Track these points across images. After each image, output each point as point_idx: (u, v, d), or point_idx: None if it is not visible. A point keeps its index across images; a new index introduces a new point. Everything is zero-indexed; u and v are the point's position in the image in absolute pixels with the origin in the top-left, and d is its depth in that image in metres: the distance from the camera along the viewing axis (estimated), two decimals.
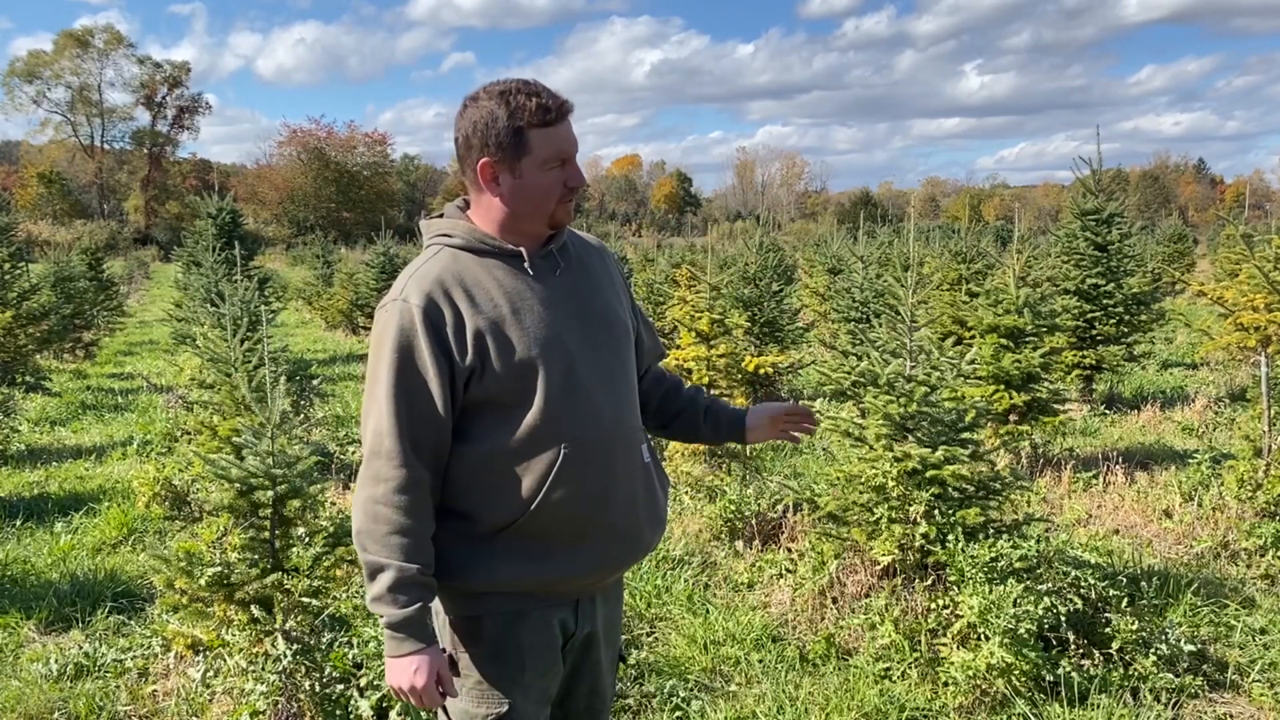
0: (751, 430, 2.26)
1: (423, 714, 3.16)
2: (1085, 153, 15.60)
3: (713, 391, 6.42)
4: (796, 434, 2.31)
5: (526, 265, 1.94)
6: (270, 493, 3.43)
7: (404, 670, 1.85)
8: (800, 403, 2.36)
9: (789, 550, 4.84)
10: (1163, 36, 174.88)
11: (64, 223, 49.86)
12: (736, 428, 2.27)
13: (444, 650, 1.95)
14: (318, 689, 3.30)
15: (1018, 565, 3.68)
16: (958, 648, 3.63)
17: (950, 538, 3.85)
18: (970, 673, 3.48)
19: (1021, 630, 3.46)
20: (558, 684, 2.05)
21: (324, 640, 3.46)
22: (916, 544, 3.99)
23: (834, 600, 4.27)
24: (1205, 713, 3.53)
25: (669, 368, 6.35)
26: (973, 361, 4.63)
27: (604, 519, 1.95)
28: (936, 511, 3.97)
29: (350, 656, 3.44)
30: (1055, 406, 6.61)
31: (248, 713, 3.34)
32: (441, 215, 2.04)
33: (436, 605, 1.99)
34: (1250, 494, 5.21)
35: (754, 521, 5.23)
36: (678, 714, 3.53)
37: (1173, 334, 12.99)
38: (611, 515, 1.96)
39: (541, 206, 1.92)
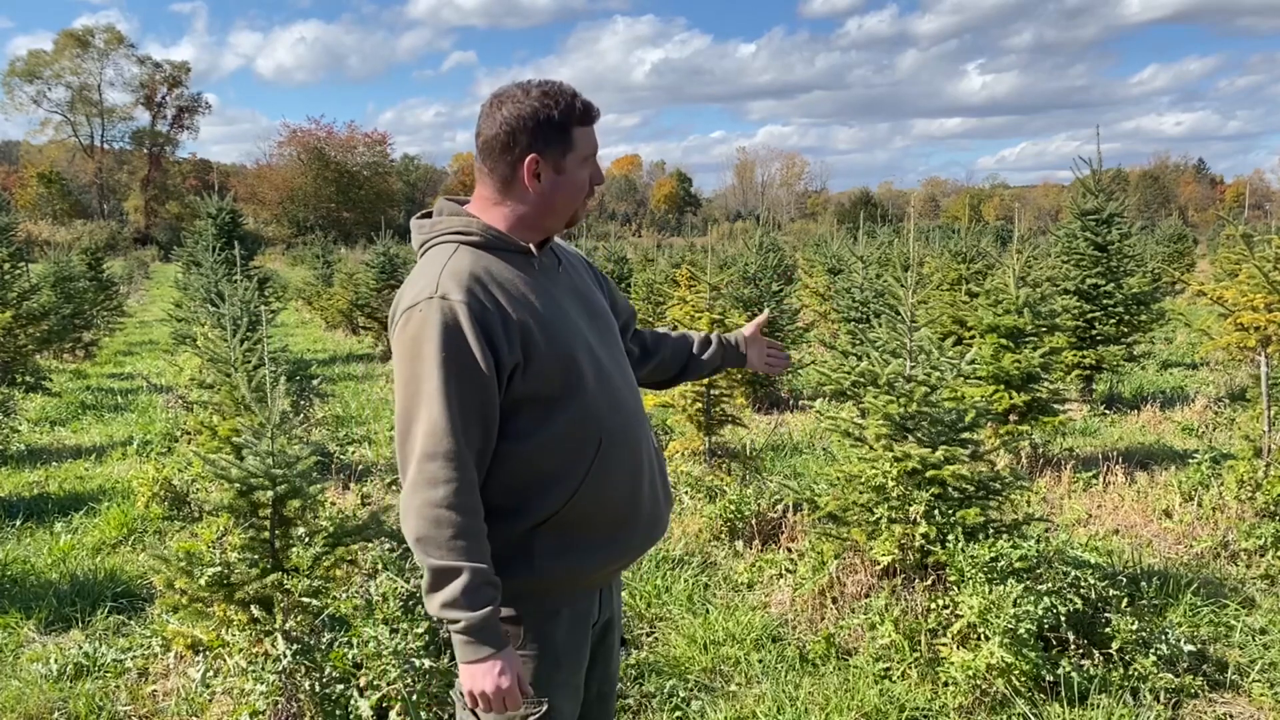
0: (749, 357, 2.51)
1: (422, 714, 3.16)
2: (1086, 152, 15.63)
3: (712, 392, 6.43)
4: (772, 366, 2.54)
5: (535, 262, 1.95)
6: (270, 493, 3.43)
7: (487, 674, 1.79)
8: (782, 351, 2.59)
9: (789, 550, 4.84)
10: (1165, 36, 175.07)
11: (64, 223, 49.84)
12: (740, 355, 2.49)
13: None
14: (318, 689, 3.30)
15: (1018, 565, 3.68)
16: (958, 648, 3.63)
17: (950, 538, 3.85)
18: (970, 673, 3.48)
19: (1021, 630, 3.46)
20: (584, 678, 2.06)
21: (324, 640, 3.46)
22: (916, 544, 3.99)
23: (834, 600, 4.27)
24: (1205, 713, 3.53)
25: None
26: (973, 361, 4.63)
27: (635, 505, 1.98)
28: (936, 511, 3.97)
29: (350, 656, 3.43)
30: (1055, 406, 6.61)
31: (247, 713, 3.34)
32: (429, 214, 2.01)
33: None
34: (1250, 494, 5.21)
35: (754, 521, 5.23)
36: (678, 714, 3.54)
37: (1173, 334, 12.99)
38: (640, 501, 1.99)
39: (575, 202, 1.95)
